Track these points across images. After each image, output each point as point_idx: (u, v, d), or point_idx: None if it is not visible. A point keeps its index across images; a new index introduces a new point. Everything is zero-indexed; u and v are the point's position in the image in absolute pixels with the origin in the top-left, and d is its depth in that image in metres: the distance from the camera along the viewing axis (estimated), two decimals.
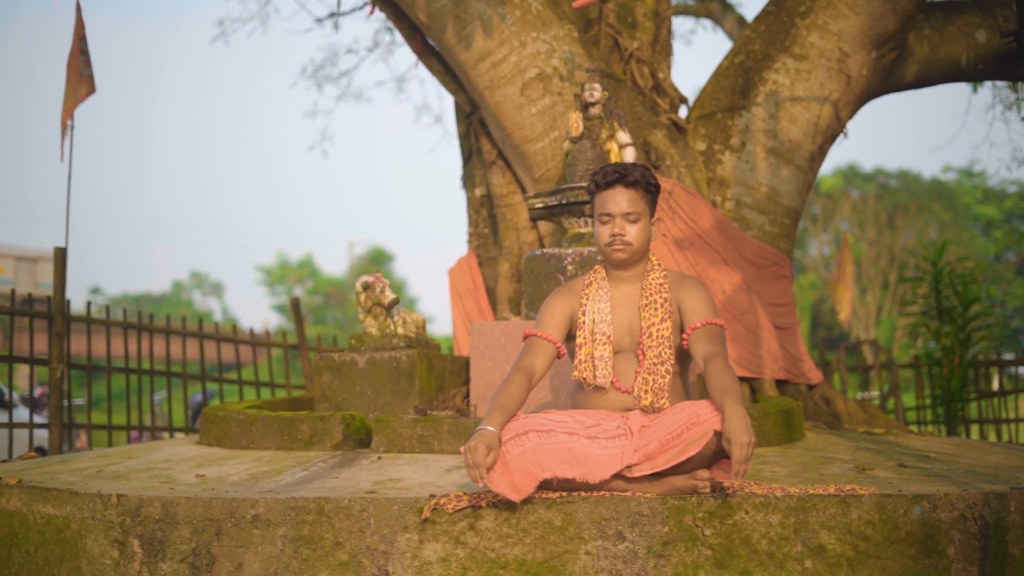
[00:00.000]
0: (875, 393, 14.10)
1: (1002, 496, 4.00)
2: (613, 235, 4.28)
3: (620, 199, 4.28)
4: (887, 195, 43.01)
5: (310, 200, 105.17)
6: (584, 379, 4.29)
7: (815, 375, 7.61)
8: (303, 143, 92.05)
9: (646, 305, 4.28)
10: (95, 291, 48.13)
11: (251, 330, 10.71)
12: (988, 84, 12.94)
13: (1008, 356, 13.46)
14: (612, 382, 4.26)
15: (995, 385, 12.86)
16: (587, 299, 4.36)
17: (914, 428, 11.81)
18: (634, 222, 4.29)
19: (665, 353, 4.21)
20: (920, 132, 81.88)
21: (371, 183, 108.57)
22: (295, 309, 10.57)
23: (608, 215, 4.30)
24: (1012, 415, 12.31)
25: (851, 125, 11.36)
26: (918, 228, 41.87)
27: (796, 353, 7.54)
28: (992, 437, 11.93)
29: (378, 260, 51.05)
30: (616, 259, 4.32)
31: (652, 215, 4.38)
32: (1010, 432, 12.32)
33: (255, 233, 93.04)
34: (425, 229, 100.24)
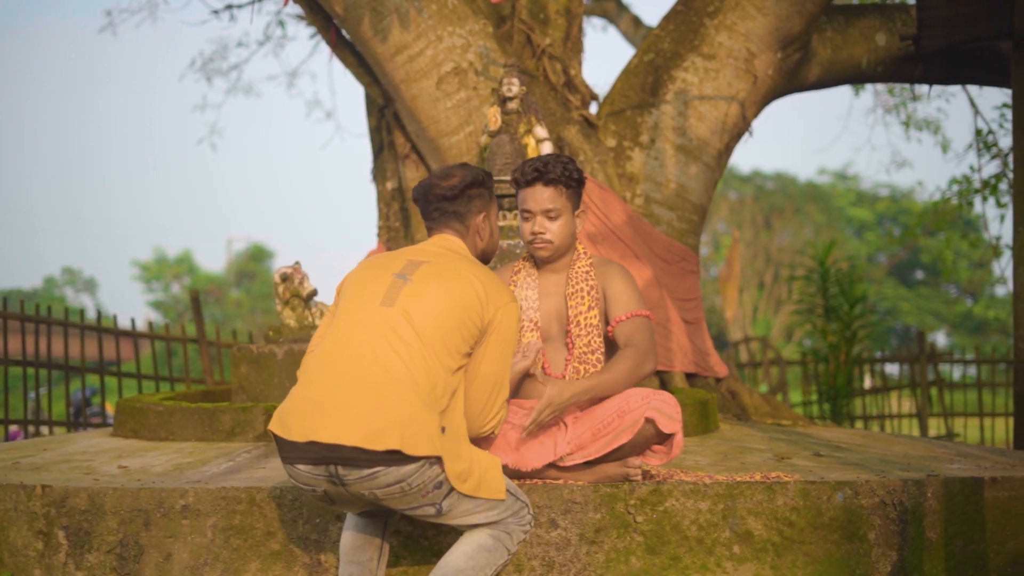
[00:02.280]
0: (762, 390, 14.41)
1: (920, 483, 4.15)
2: (534, 233, 4.22)
3: (540, 196, 4.20)
4: (764, 197, 43.85)
5: (192, 196, 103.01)
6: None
7: (722, 369, 7.74)
8: (190, 138, 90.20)
9: (572, 294, 4.23)
10: None
11: (150, 324, 10.52)
12: (870, 88, 13.34)
13: (886, 353, 13.86)
14: (543, 369, 4.25)
15: (867, 383, 13.25)
16: (515, 287, 4.33)
17: None
18: (555, 219, 4.21)
19: (595, 342, 4.19)
20: (799, 135, 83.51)
21: (256, 179, 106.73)
22: (195, 303, 10.46)
23: (529, 212, 4.23)
24: (895, 411, 12.72)
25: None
26: (793, 229, 42.73)
27: (703, 347, 7.67)
28: (876, 431, 12.27)
29: (257, 257, 50.46)
30: (539, 256, 4.28)
31: (576, 208, 4.30)
32: (893, 427, 12.71)
33: (132, 228, 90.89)
34: (311, 226, 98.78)
